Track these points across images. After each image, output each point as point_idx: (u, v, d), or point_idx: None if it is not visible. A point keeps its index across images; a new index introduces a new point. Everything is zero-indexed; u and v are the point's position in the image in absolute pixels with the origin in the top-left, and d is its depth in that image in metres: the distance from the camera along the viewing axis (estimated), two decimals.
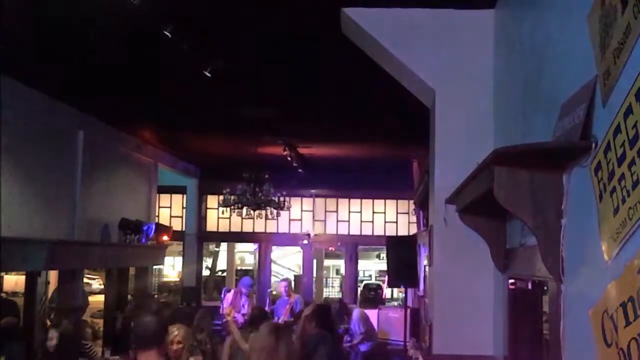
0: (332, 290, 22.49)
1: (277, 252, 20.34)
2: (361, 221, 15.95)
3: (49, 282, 9.34)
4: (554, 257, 2.57)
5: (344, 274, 17.70)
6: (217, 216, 15.34)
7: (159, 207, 14.19)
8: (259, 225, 14.69)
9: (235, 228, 15.47)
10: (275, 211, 11.10)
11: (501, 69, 4.28)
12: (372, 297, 18.08)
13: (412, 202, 12.23)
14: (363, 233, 15.95)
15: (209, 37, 5.73)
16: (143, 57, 6.41)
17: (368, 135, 9.87)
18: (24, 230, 7.22)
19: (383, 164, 12.17)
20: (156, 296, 14.34)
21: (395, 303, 17.21)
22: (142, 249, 10.42)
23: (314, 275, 17.13)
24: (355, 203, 15.99)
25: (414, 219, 12.58)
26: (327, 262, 22.72)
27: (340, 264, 20.59)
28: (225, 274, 21.02)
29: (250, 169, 10.41)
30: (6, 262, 6.53)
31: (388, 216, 15.87)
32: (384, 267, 15.41)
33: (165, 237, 11.38)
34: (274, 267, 18.66)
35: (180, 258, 16.56)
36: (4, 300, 8.99)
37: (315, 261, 17.06)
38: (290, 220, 15.50)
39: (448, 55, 4.55)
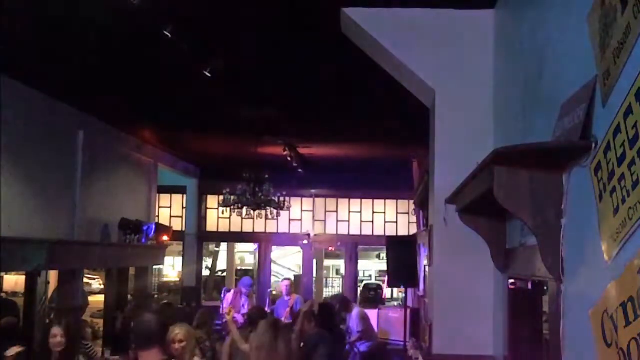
0: (332, 291, 22.49)
1: (277, 252, 20.34)
2: (361, 221, 15.95)
3: (49, 282, 9.33)
4: (554, 257, 2.57)
5: (344, 274, 17.69)
6: (217, 216, 15.34)
7: (159, 207, 14.19)
8: (259, 225, 14.69)
9: (235, 228, 15.47)
10: (275, 211, 11.09)
11: (501, 69, 4.28)
12: (372, 297, 18.08)
13: (412, 202, 12.24)
14: (363, 233, 15.95)
15: (209, 37, 5.73)
16: (143, 57, 6.41)
17: (368, 135, 9.87)
18: (24, 230, 7.22)
19: (383, 164, 12.17)
20: (156, 296, 14.34)
21: (395, 303, 17.22)
22: (142, 249, 10.42)
23: (314, 275, 17.13)
24: (355, 203, 15.99)
25: (414, 219, 12.59)
26: (327, 262, 22.72)
27: (340, 264, 20.59)
28: (225, 274, 21.03)
29: (250, 169, 10.40)
30: (6, 262, 6.53)
31: (388, 216, 15.87)
32: (384, 267, 15.42)
33: (165, 237, 11.38)
34: (274, 267, 18.66)
35: (180, 258, 16.56)
36: (4, 300, 8.99)
37: (315, 261, 17.06)
38: (290, 220, 15.50)
39: (448, 55, 4.56)
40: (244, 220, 12.85)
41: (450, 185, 3.94)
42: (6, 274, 11.07)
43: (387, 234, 14.62)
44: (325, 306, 7.66)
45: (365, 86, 6.90)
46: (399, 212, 15.79)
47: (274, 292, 13.87)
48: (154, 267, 13.24)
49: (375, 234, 15.77)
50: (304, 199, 15.81)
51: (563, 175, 2.57)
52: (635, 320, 1.82)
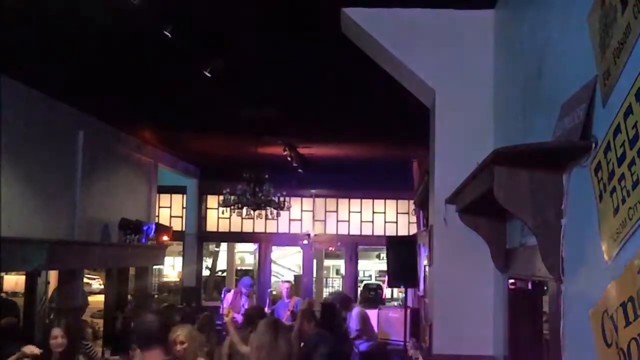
0: (332, 291, 22.49)
1: (277, 252, 20.33)
2: (361, 221, 15.94)
3: (49, 282, 9.33)
4: (554, 257, 2.57)
5: (344, 274, 17.69)
6: (217, 216, 15.34)
7: (159, 207, 14.19)
8: (259, 225, 14.69)
9: (235, 228, 15.46)
10: (275, 211, 11.09)
11: (501, 69, 4.28)
12: (372, 297, 18.06)
13: (412, 202, 12.24)
14: (363, 233, 15.95)
15: (209, 37, 5.73)
16: (143, 57, 6.41)
17: (368, 135, 9.87)
18: (24, 230, 7.22)
19: (383, 164, 12.16)
20: (156, 296, 14.34)
21: (395, 303, 17.21)
22: (142, 249, 10.42)
23: (314, 275, 17.13)
24: (355, 203, 15.99)
25: (414, 219, 12.58)
26: (327, 262, 22.72)
27: (340, 264, 20.59)
28: (225, 274, 21.02)
29: (250, 169, 10.40)
30: (6, 262, 6.53)
31: (388, 216, 15.87)
32: (384, 267, 15.41)
33: (165, 237, 11.38)
34: (274, 267, 18.65)
35: (180, 258, 16.55)
36: (4, 300, 8.99)
37: (315, 261, 17.06)
38: (290, 220, 15.50)
39: (448, 55, 4.55)
40: (244, 220, 12.85)
41: (450, 185, 3.94)
42: (6, 274, 11.07)
43: (387, 234, 14.62)
44: (328, 306, 7.66)
45: (365, 86, 6.89)
46: (399, 212, 15.79)
47: (274, 293, 13.86)
48: (154, 267, 13.24)
49: (375, 234, 15.77)
50: (304, 199, 15.81)
51: (563, 175, 2.57)
52: (635, 320, 1.82)
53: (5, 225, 6.53)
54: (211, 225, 15.82)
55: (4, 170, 6.80)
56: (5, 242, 6.36)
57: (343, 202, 16.01)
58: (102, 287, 14.84)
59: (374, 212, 15.94)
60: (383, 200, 15.84)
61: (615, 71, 2.08)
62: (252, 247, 21.52)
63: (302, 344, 5.94)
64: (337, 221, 16.01)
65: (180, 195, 15.39)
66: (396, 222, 15.77)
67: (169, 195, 15.32)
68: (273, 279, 17.41)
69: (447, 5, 4.53)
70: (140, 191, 11.35)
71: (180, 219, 15.33)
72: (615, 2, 2.10)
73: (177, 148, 12.16)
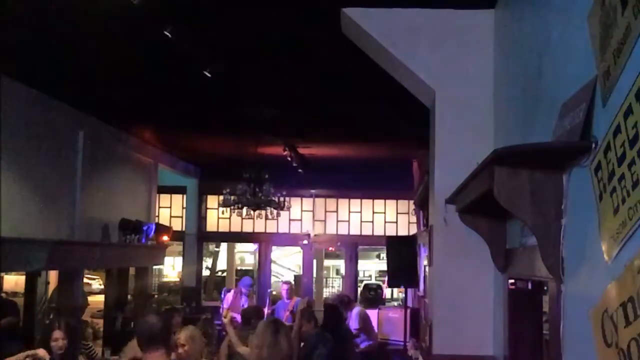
0: (332, 291, 22.51)
1: (277, 252, 20.35)
2: (361, 221, 15.94)
3: (49, 282, 9.35)
4: (554, 257, 2.57)
5: (344, 274, 17.70)
6: (217, 216, 15.33)
7: (159, 207, 14.18)
8: (259, 226, 14.68)
9: (235, 228, 15.46)
10: (275, 211, 11.08)
11: (501, 69, 4.28)
12: (372, 297, 18.10)
13: (412, 202, 12.24)
14: (363, 233, 15.95)
15: (209, 37, 5.73)
16: (143, 57, 6.41)
17: (368, 135, 9.86)
18: (24, 230, 7.22)
19: (383, 164, 12.16)
20: (156, 296, 14.34)
21: (395, 303, 17.23)
22: (142, 249, 10.41)
23: (314, 275, 17.13)
24: (355, 203, 15.99)
25: (414, 219, 12.59)
26: (327, 262, 22.74)
27: (340, 264, 20.60)
28: (225, 274, 21.03)
29: (250, 169, 10.40)
30: (6, 262, 6.53)
31: (388, 216, 15.87)
32: (384, 267, 15.41)
33: (165, 237, 11.38)
34: (274, 267, 18.66)
35: (180, 258, 16.55)
36: (4, 300, 9.00)
37: (315, 261, 17.06)
38: (290, 220, 15.49)
39: (448, 55, 4.55)
40: (244, 220, 12.84)
41: (450, 185, 3.94)
42: (6, 274, 11.08)
43: (387, 234, 14.61)
44: (331, 307, 7.67)
45: (365, 86, 6.90)
46: (399, 212, 15.79)
47: (274, 293, 13.87)
48: (154, 267, 13.25)
49: (375, 234, 15.76)
50: (304, 199, 15.81)
51: (563, 175, 2.57)
52: (635, 320, 1.82)
53: (5, 225, 6.52)
54: (211, 225, 15.82)
55: (3, 170, 6.79)
56: (5, 242, 6.36)
57: (343, 202, 16.01)
58: (102, 287, 14.86)
59: (374, 212, 15.93)
60: (383, 200, 15.84)
61: (615, 71, 2.08)
62: (252, 247, 21.54)
63: (301, 344, 5.95)
64: (337, 221, 16.00)
65: (180, 195, 15.39)
66: (396, 222, 15.77)
67: (169, 195, 15.31)
68: (273, 279, 17.41)
69: (447, 5, 4.53)
70: (140, 191, 11.35)
71: (180, 219, 15.33)
72: (615, 2, 2.10)
73: (177, 148, 12.15)
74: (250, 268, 23.03)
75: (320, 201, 15.98)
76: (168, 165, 12.70)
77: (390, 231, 15.17)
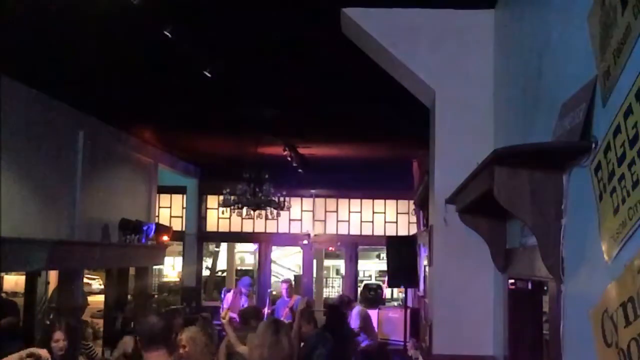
0: (332, 291, 22.51)
1: (277, 252, 20.34)
2: (361, 221, 15.94)
3: (49, 282, 9.36)
4: (554, 257, 2.57)
5: (344, 274, 17.70)
6: (217, 216, 15.33)
7: (159, 207, 14.18)
8: (259, 226, 14.68)
9: (235, 228, 15.46)
10: (275, 211, 11.09)
11: (501, 69, 4.28)
12: (372, 297, 18.11)
13: (412, 202, 12.24)
14: (363, 233, 15.95)
15: (209, 37, 5.73)
16: (143, 57, 6.41)
17: (368, 135, 9.86)
18: (24, 230, 7.22)
19: (383, 164, 12.16)
20: (156, 296, 14.34)
21: (395, 303, 17.25)
22: (142, 249, 10.41)
23: (314, 275, 17.13)
24: (355, 203, 15.99)
25: (414, 219, 12.59)
26: (327, 262, 22.73)
27: (340, 264, 20.60)
28: (225, 274, 21.03)
29: (250, 169, 10.40)
30: (6, 262, 6.53)
31: (388, 216, 15.87)
32: (384, 267, 15.41)
33: (165, 237, 11.38)
34: (274, 267, 18.66)
35: (180, 258, 16.56)
36: (4, 300, 9.00)
37: (315, 261, 17.06)
38: (290, 220, 15.49)
39: (448, 55, 4.55)
40: (244, 220, 12.84)
41: (450, 185, 3.94)
42: (6, 274, 11.08)
43: (387, 234, 14.62)
44: (332, 307, 7.68)
45: (365, 86, 6.90)
46: (399, 212, 15.79)
47: (274, 293, 13.88)
48: (154, 267, 13.25)
49: (375, 234, 15.76)
50: (304, 199, 15.81)
51: (563, 175, 2.57)
52: (635, 320, 1.82)
53: (5, 225, 6.52)
54: (211, 225, 15.82)
55: (4, 170, 6.79)
56: (5, 242, 6.35)
57: (343, 202, 16.01)
58: (102, 287, 14.86)
59: (374, 212, 15.93)
60: (383, 200, 15.84)
61: (615, 71, 2.08)
62: (252, 247, 21.54)
63: (301, 344, 5.95)
64: (337, 221, 16.00)
65: (180, 195, 15.39)
66: (396, 222, 15.77)
67: (169, 195, 15.31)
68: (273, 279, 17.41)
69: (447, 5, 4.53)
70: (140, 191, 11.34)
71: (180, 219, 15.33)
72: (615, 2, 2.10)
73: (177, 148, 12.15)
74: (250, 268, 23.03)
75: (320, 201, 15.98)
76: (168, 165, 12.70)
77: (390, 231, 15.17)
